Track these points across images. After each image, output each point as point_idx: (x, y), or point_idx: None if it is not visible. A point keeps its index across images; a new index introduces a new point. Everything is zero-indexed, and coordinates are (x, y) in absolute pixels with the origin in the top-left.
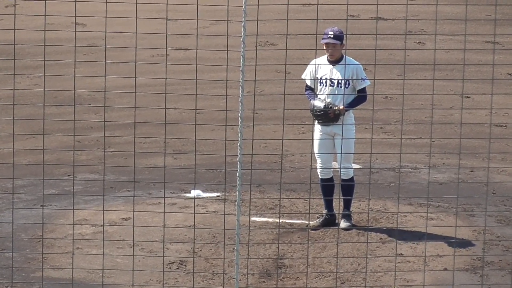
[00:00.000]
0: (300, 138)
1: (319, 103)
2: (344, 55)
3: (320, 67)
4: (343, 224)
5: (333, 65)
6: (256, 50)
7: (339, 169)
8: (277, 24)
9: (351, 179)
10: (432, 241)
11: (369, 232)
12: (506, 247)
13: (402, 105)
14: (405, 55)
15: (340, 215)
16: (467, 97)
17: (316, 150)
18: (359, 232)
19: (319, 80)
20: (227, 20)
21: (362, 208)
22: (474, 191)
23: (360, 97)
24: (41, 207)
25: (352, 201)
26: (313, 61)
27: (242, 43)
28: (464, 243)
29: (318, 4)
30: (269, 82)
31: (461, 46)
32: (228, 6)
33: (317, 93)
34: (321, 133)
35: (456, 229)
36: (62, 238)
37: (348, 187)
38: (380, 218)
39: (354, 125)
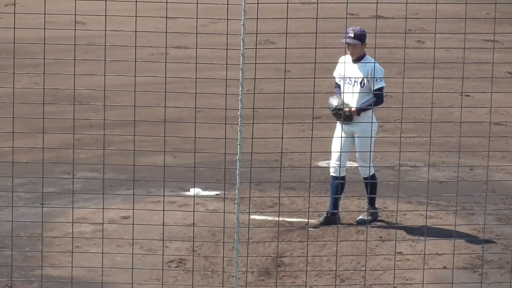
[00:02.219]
0: (300, 136)
1: (332, 101)
2: (366, 54)
3: (345, 65)
4: (360, 217)
5: (354, 63)
6: (256, 48)
7: (358, 168)
8: (277, 23)
9: (372, 177)
10: (431, 239)
11: (368, 231)
12: (506, 246)
13: (401, 103)
14: (404, 54)
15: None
16: (467, 95)
17: (332, 147)
18: (359, 230)
19: (341, 78)
20: (227, 19)
21: (361, 207)
22: (474, 189)
23: (376, 98)
24: (41, 206)
25: (376, 199)
26: (341, 59)
27: (241, 41)
28: (463, 242)
29: (318, 3)
30: (269, 80)
31: (461, 45)
32: (227, 4)
33: (342, 91)
34: (341, 130)
35: (455, 228)
36: (61, 237)
37: (368, 185)
38: (380, 216)
39: (374, 124)
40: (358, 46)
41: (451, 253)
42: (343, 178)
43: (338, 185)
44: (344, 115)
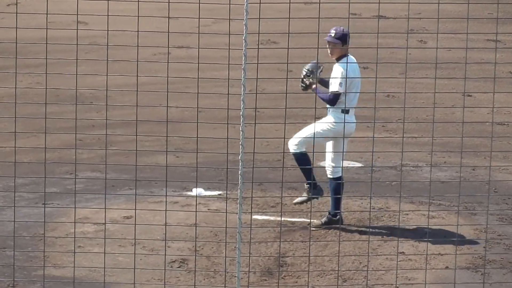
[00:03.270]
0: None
1: (308, 66)
2: (347, 55)
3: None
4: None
5: (335, 63)
6: (258, 48)
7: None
8: (279, 23)
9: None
10: (433, 239)
11: (370, 231)
12: (508, 246)
13: (404, 103)
14: (406, 54)
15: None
16: (469, 95)
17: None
18: (361, 230)
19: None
20: (229, 19)
21: (364, 207)
22: (476, 189)
23: (328, 95)
24: (43, 206)
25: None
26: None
27: (244, 41)
28: (465, 242)
29: (320, 3)
30: (271, 80)
31: (463, 45)
32: (230, 4)
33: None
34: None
35: (457, 228)
36: (63, 237)
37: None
38: (382, 216)
39: (350, 124)
40: (338, 46)
41: (453, 253)
42: (340, 178)
43: (341, 186)
44: (302, 82)
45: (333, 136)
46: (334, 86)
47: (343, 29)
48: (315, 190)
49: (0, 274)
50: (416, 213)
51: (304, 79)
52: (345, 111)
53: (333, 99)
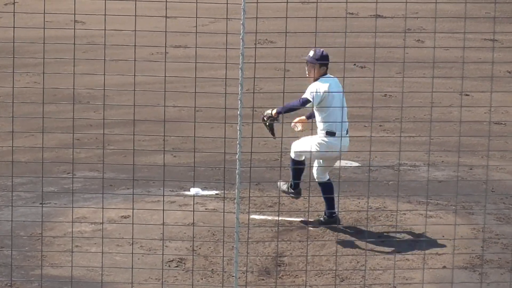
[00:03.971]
0: (299, 136)
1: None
2: (325, 76)
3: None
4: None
5: None
6: (255, 48)
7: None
8: (276, 22)
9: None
10: (431, 239)
11: (368, 230)
12: (505, 245)
13: (401, 103)
14: (404, 53)
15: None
16: (466, 95)
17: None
18: (358, 230)
19: None
20: (226, 18)
21: (361, 206)
22: (473, 189)
23: (296, 100)
24: (40, 205)
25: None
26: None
27: (241, 41)
28: (463, 241)
29: (317, 2)
30: (268, 80)
31: (460, 44)
32: (227, 4)
33: None
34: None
35: (455, 227)
36: (61, 236)
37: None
38: (379, 216)
39: (316, 144)
40: (316, 67)
41: (450, 252)
42: (328, 179)
43: (329, 186)
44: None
45: (320, 157)
46: (306, 94)
47: (322, 51)
48: (296, 190)
49: None
50: (414, 213)
51: (266, 120)
52: (330, 133)
53: (301, 103)
